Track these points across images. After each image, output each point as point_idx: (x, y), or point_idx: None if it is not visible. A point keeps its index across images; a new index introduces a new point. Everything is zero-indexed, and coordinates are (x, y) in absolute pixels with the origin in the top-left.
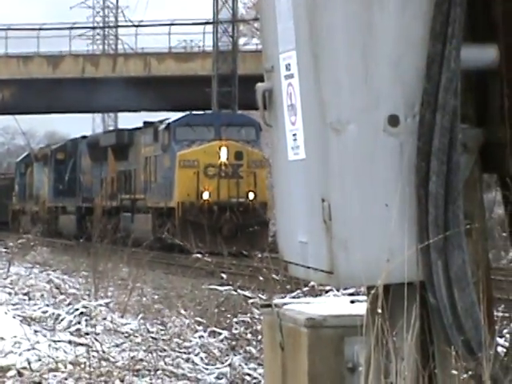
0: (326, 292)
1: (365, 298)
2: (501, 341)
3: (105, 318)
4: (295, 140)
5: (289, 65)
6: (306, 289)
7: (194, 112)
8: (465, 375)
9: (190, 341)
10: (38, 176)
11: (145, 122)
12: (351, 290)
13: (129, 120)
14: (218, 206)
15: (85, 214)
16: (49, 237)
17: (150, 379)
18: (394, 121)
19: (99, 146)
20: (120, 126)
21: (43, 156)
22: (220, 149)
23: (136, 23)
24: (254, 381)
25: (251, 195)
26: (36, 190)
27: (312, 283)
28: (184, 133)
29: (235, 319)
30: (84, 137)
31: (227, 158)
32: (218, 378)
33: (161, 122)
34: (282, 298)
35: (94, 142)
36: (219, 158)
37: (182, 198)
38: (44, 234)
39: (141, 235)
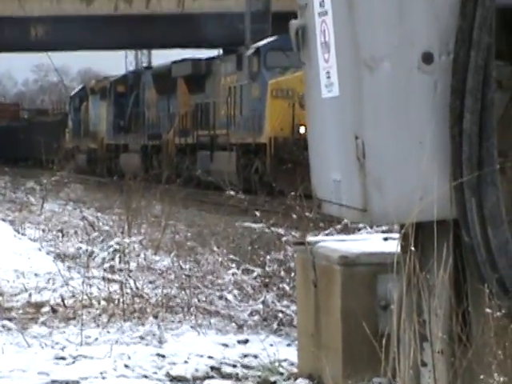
0: (359, 230)
1: (398, 235)
2: None
3: (138, 255)
4: (329, 77)
5: (322, 1)
6: (339, 227)
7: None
8: (498, 313)
9: (223, 278)
10: (94, 111)
11: (225, 50)
12: (384, 228)
13: (163, 57)
14: None
15: (151, 152)
16: (82, 174)
17: (184, 316)
18: (428, 58)
19: (169, 77)
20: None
21: (101, 89)
22: None
23: None
24: (287, 318)
25: None
26: (93, 126)
27: (345, 221)
28: (276, 58)
29: (268, 257)
30: (148, 67)
31: None
32: (251, 314)
33: (246, 48)
34: (315, 236)
35: (161, 73)
36: None
37: (274, 132)
38: (77, 171)
39: (222, 175)
